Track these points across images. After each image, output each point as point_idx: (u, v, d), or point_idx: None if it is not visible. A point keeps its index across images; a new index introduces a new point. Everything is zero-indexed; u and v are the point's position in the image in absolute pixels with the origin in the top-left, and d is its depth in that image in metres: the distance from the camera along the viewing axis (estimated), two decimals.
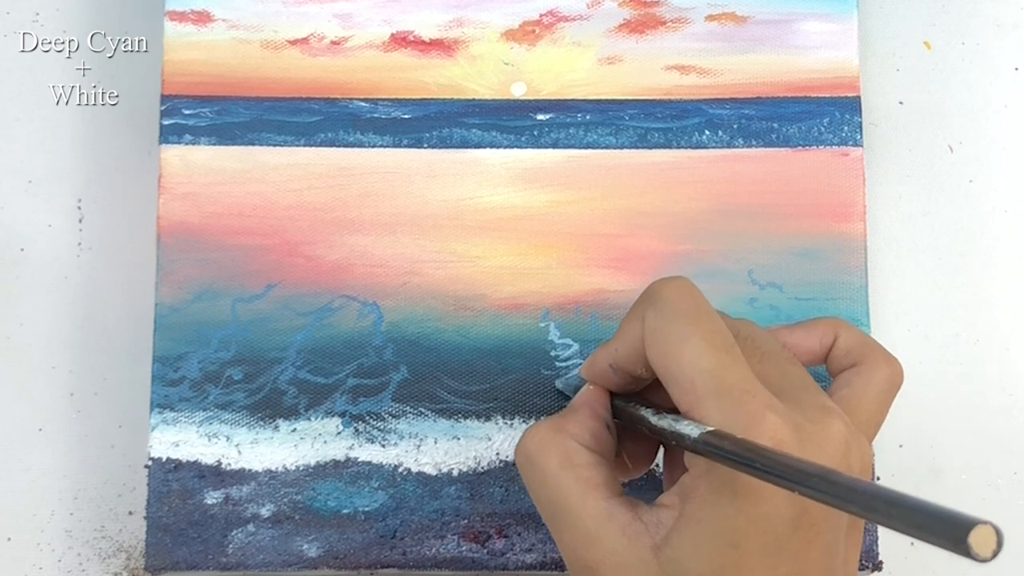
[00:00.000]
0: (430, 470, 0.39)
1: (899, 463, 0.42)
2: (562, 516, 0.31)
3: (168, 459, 0.39)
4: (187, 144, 0.40)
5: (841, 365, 0.34)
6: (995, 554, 0.20)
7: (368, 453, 0.39)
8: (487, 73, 0.41)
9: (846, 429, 0.29)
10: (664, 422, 0.30)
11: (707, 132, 0.41)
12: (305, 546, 0.38)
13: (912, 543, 0.41)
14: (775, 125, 0.41)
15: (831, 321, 0.35)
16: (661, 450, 0.35)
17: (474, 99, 0.41)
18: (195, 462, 0.39)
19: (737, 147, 0.41)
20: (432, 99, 0.41)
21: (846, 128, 0.41)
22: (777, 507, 0.28)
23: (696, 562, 0.28)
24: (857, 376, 0.33)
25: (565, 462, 0.31)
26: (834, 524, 0.29)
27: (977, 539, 0.20)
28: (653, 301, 0.31)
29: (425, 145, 0.41)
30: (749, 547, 0.28)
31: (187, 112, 0.41)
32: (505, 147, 0.41)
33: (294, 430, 0.39)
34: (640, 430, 0.33)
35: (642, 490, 0.38)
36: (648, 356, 0.31)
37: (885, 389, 0.33)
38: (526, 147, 0.41)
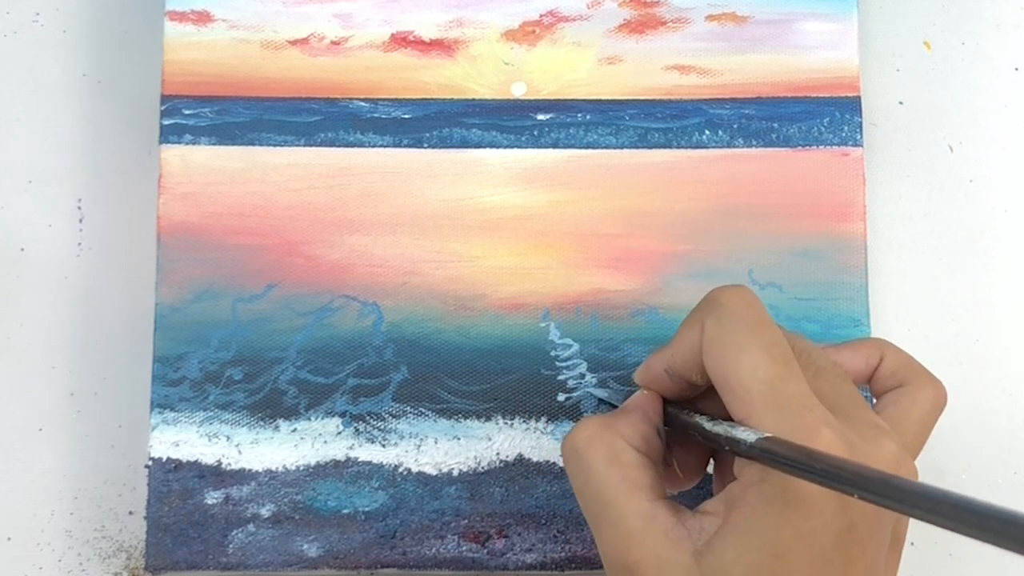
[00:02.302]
0: (430, 470, 0.39)
1: None
2: (605, 513, 0.31)
3: (168, 459, 0.39)
4: (187, 144, 0.40)
5: (886, 386, 0.34)
6: None
7: (368, 453, 0.39)
8: (487, 73, 0.41)
9: (896, 448, 0.29)
10: (720, 428, 0.30)
11: (707, 132, 0.41)
12: (305, 546, 0.38)
13: (912, 543, 0.41)
14: (775, 125, 0.41)
15: (877, 342, 0.35)
16: (711, 462, 0.35)
17: (474, 99, 0.41)
18: (195, 462, 0.39)
19: (737, 147, 0.41)
20: (432, 99, 0.41)
21: (846, 128, 0.41)
22: (826, 522, 0.28)
23: (739, 570, 0.28)
24: (903, 396, 0.33)
25: (612, 459, 0.31)
26: (879, 542, 0.29)
27: None
28: (713, 308, 0.31)
29: (425, 145, 0.41)
30: (794, 560, 0.28)
31: (187, 112, 0.41)
32: (505, 147, 0.41)
33: (294, 430, 0.39)
34: (692, 440, 0.33)
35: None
36: (705, 363, 0.31)
37: (929, 410, 0.33)
38: (526, 147, 0.41)
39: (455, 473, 0.39)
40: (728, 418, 0.31)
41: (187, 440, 0.39)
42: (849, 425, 0.29)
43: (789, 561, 0.28)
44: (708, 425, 0.31)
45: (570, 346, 0.40)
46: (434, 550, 0.38)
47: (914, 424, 0.33)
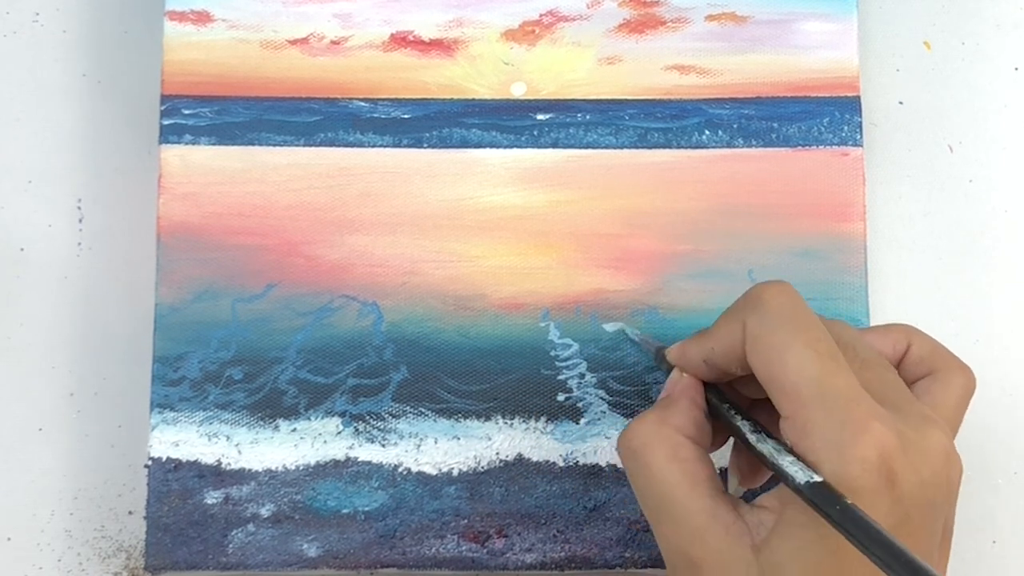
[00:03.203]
0: (430, 470, 0.39)
1: None
2: (667, 510, 0.31)
3: (168, 459, 0.39)
4: (187, 144, 0.40)
5: (915, 373, 0.34)
6: None
7: (368, 453, 0.39)
8: (487, 73, 0.41)
9: (946, 439, 0.30)
10: (766, 448, 0.31)
11: (707, 132, 0.41)
12: (305, 546, 0.38)
13: None
14: (775, 125, 0.41)
15: (903, 328, 0.35)
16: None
17: (474, 99, 0.41)
18: (195, 462, 0.39)
19: (737, 147, 0.41)
20: (432, 99, 0.41)
21: (846, 128, 0.41)
22: (881, 515, 0.28)
23: (796, 565, 0.29)
24: (935, 384, 0.33)
25: (672, 456, 0.31)
26: (930, 534, 0.29)
27: None
28: (755, 306, 0.31)
29: (425, 145, 0.41)
30: (850, 554, 0.28)
31: (187, 112, 0.41)
32: (505, 147, 0.41)
33: (294, 430, 0.39)
34: (719, 422, 0.33)
35: None
36: (750, 361, 0.31)
37: (962, 395, 0.33)
38: (526, 147, 0.41)
39: (455, 473, 0.39)
40: (762, 397, 0.31)
41: (187, 440, 0.39)
42: (898, 416, 0.29)
43: (845, 556, 0.28)
44: (752, 438, 0.31)
45: (570, 346, 0.40)
46: (434, 550, 0.38)
47: (949, 411, 0.33)
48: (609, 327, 0.39)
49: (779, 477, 0.30)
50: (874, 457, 0.28)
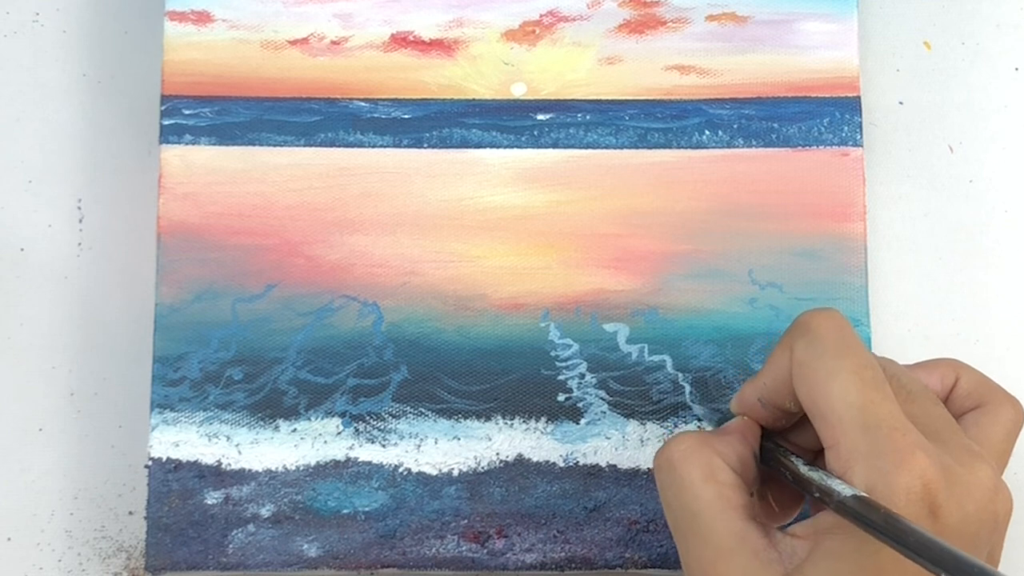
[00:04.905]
0: (430, 470, 0.39)
1: None
2: (695, 528, 0.31)
3: (168, 459, 0.39)
4: (187, 144, 0.40)
5: (963, 406, 0.34)
6: None
7: (368, 453, 0.39)
8: (487, 73, 0.41)
9: (993, 474, 0.29)
10: (815, 474, 0.30)
11: (707, 132, 0.41)
12: (305, 546, 0.38)
13: None
14: (775, 125, 0.41)
15: (951, 362, 0.35)
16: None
17: (474, 99, 0.41)
18: (195, 462, 0.39)
19: (737, 147, 0.41)
20: (432, 99, 0.41)
21: (846, 128, 0.41)
22: None
23: None
24: (983, 417, 0.33)
25: (708, 475, 0.31)
26: None
27: None
28: (803, 333, 0.31)
29: (425, 145, 0.41)
30: None
31: (187, 112, 0.41)
32: (505, 147, 0.41)
33: (294, 430, 0.39)
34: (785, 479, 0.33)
35: None
36: (796, 389, 0.31)
37: (1011, 429, 0.33)
38: (526, 147, 0.41)
39: (455, 473, 0.39)
40: (822, 449, 0.30)
41: (187, 440, 0.39)
42: (944, 449, 0.29)
43: None
44: (803, 469, 0.31)
45: (570, 346, 0.40)
46: (434, 550, 0.38)
47: (998, 444, 0.33)
48: (701, 425, 0.39)
49: (825, 500, 0.29)
50: (918, 487, 0.28)
